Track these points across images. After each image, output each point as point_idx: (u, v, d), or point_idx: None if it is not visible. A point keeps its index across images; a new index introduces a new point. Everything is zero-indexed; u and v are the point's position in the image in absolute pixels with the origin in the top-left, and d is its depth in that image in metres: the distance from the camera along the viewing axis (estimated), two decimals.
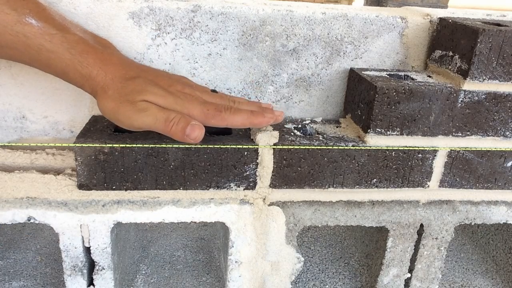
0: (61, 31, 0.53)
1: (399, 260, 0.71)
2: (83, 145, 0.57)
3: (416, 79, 0.64)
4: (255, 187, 0.63)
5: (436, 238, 0.71)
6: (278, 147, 0.60)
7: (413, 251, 0.71)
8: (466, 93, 0.61)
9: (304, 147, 0.61)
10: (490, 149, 0.65)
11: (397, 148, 0.63)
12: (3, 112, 0.65)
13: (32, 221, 0.60)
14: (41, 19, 0.52)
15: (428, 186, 0.67)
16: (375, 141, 0.63)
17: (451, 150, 0.64)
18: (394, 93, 0.60)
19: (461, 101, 0.61)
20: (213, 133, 0.64)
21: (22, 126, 0.67)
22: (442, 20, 0.67)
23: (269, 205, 0.64)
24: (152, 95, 0.53)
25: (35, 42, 0.52)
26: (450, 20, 0.65)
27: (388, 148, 0.63)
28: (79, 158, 0.57)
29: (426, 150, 0.64)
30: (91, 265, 0.65)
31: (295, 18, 0.65)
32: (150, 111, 0.52)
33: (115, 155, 0.58)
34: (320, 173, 0.63)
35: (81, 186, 0.59)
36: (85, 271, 0.64)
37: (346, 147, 0.62)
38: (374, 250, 0.78)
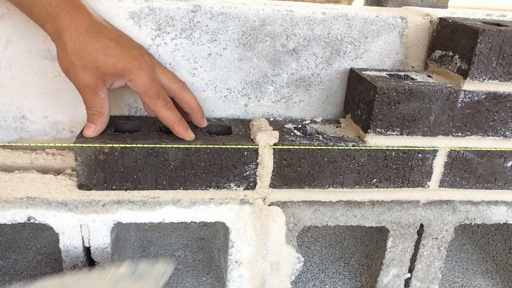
0: None
1: (399, 260, 0.71)
2: (83, 145, 0.57)
3: (416, 79, 0.64)
4: (255, 187, 0.63)
5: (436, 238, 0.71)
6: (278, 147, 0.60)
7: (413, 251, 0.71)
8: (466, 93, 0.61)
9: (304, 147, 0.61)
10: (490, 149, 0.65)
11: (397, 148, 0.63)
12: (3, 112, 0.65)
13: (32, 221, 0.60)
14: None
15: (428, 186, 0.67)
16: (375, 141, 0.62)
17: (451, 150, 0.64)
18: (394, 93, 0.60)
19: (461, 101, 0.61)
20: (213, 133, 0.64)
21: (22, 126, 0.67)
22: (442, 20, 0.67)
23: (269, 205, 0.64)
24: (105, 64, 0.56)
25: None
26: (450, 20, 0.65)
27: (388, 148, 0.63)
28: (79, 158, 0.57)
29: (426, 150, 0.64)
30: (91, 265, 0.65)
31: (295, 18, 0.65)
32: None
33: (115, 155, 0.58)
34: (320, 173, 0.63)
35: (81, 186, 0.59)
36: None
37: (346, 147, 0.62)
38: (374, 250, 0.78)
